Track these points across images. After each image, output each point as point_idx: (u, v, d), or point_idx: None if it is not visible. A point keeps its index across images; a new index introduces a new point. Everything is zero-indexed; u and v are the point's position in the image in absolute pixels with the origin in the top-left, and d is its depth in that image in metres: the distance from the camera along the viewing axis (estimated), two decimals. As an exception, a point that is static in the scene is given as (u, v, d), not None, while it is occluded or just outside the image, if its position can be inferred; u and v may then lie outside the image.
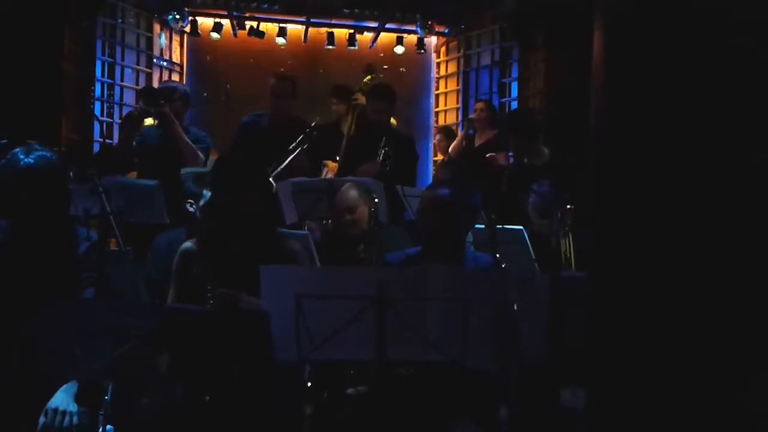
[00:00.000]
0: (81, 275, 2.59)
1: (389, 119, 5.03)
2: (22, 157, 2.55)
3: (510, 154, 4.40)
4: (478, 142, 5.83)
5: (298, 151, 4.52)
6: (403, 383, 2.59)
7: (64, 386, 2.42)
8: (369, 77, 5.65)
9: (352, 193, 3.75)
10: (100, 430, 2.70)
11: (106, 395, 2.70)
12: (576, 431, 2.57)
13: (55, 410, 2.37)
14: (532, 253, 3.49)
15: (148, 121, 4.87)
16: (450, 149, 6.02)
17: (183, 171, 3.96)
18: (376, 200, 3.74)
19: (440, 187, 3.02)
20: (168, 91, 4.72)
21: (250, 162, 2.90)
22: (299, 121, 4.84)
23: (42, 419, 2.36)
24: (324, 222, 4.42)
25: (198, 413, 2.46)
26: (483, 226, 3.27)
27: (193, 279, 2.71)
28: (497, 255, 2.96)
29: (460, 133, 6.06)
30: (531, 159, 4.40)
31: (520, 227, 3.50)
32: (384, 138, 4.74)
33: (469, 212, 3.00)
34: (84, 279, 2.59)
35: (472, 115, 6.16)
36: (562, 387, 2.51)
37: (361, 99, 5.44)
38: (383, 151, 4.52)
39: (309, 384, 2.94)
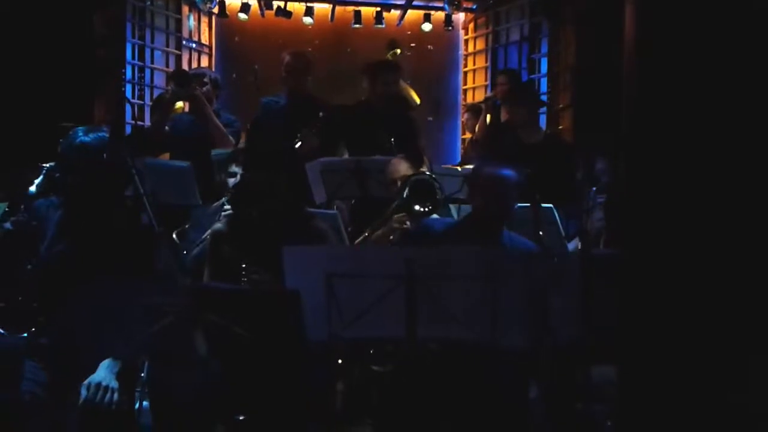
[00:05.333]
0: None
1: (396, 90, 4.83)
2: (80, 134, 2.62)
3: None
4: (504, 118, 5.69)
5: (303, 136, 4.36)
6: (432, 360, 2.60)
7: (106, 362, 2.45)
8: (392, 53, 5.57)
9: (403, 164, 3.76)
10: (137, 407, 2.76)
11: (142, 373, 2.76)
12: (606, 409, 2.57)
13: (98, 385, 2.39)
14: (562, 231, 3.47)
15: (179, 105, 4.91)
16: (476, 130, 5.93)
17: (213, 153, 4.01)
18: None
19: (494, 167, 2.99)
20: (198, 75, 4.75)
21: (277, 143, 2.93)
22: (318, 101, 4.72)
23: (84, 392, 2.40)
24: (352, 202, 4.43)
25: (232, 390, 2.50)
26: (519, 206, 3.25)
27: (225, 259, 2.75)
28: (540, 233, 2.93)
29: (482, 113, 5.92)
30: (528, 134, 4.41)
31: (550, 205, 3.47)
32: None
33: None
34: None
35: (492, 92, 6.04)
36: (593, 365, 2.50)
37: None
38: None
39: (340, 361, 2.98)
